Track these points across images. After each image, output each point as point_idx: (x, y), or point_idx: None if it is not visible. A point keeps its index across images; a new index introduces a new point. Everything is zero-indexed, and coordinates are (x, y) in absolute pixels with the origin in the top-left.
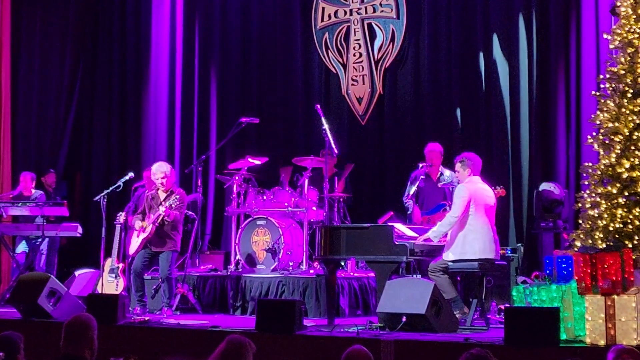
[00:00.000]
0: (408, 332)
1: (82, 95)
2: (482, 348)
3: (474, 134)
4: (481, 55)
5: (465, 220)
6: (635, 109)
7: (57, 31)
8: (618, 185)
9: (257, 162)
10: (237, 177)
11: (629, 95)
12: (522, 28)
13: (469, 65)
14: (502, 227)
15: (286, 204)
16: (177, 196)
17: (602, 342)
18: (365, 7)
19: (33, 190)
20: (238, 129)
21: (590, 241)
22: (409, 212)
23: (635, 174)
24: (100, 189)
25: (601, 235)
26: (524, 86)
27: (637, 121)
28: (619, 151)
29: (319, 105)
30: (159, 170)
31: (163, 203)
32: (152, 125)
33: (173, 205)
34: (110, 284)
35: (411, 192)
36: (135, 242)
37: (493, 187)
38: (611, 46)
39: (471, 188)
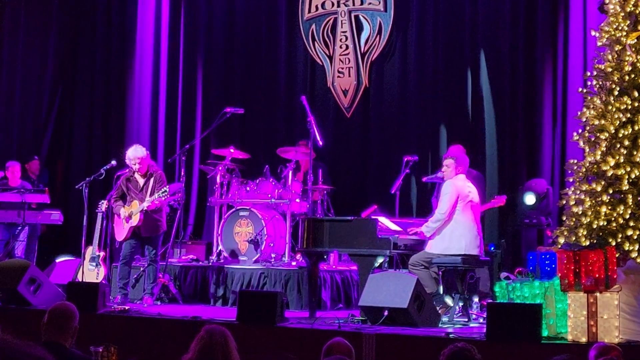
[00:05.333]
0: (390, 326)
1: (65, 83)
2: (467, 343)
3: (460, 128)
4: (468, 49)
5: (452, 217)
6: (622, 107)
7: (41, 18)
8: (603, 182)
9: (239, 157)
10: (220, 168)
11: (616, 92)
12: (509, 22)
13: (456, 59)
14: (486, 223)
15: (269, 195)
16: (166, 188)
17: (583, 340)
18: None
19: (20, 181)
20: (222, 119)
21: (573, 238)
22: None
23: (620, 171)
24: (82, 176)
25: (585, 233)
26: (510, 81)
27: (623, 119)
28: (605, 149)
29: (304, 97)
30: (135, 155)
31: (146, 190)
32: (136, 113)
33: (163, 197)
34: (91, 273)
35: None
36: (122, 230)
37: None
38: (599, 43)
39: (458, 184)
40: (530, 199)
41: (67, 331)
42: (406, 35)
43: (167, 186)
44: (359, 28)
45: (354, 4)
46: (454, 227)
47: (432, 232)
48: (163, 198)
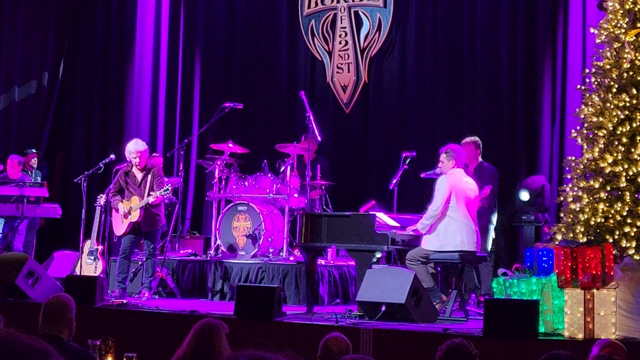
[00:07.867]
0: (387, 322)
1: (64, 76)
2: (464, 338)
3: (459, 125)
4: (467, 45)
5: (446, 212)
6: (620, 104)
7: (40, 9)
8: (600, 179)
9: (238, 151)
10: (219, 162)
11: (614, 90)
12: (509, 19)
13: (455, 55)
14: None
15: (268, 190)
16: (168, 187)
17: (580, 336)
18: None
19: (21, 174)
20: (221, 113)
21: (571, 235)
22: None
23: (617, 168)
24: (80, 170)
25: (582, 229)
26: (509, 78)
27: (622, 116)
28: (603, 146)
29: (303, 92)
30: (135, 149)
31: (144, 185)
32: (135, 107)
33: (165, 196)
34: (89, 266)
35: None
36: (121, 225)
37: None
38: (597, 40)
39: (452, 179)
40: (524, 195)
41: (63, 323)
42: (405, 31)
43: (169, 184)
44: (359, 24)
45: (353, 0)
46: (448, 223)
47: (427, 228)
48: (166, 196)
